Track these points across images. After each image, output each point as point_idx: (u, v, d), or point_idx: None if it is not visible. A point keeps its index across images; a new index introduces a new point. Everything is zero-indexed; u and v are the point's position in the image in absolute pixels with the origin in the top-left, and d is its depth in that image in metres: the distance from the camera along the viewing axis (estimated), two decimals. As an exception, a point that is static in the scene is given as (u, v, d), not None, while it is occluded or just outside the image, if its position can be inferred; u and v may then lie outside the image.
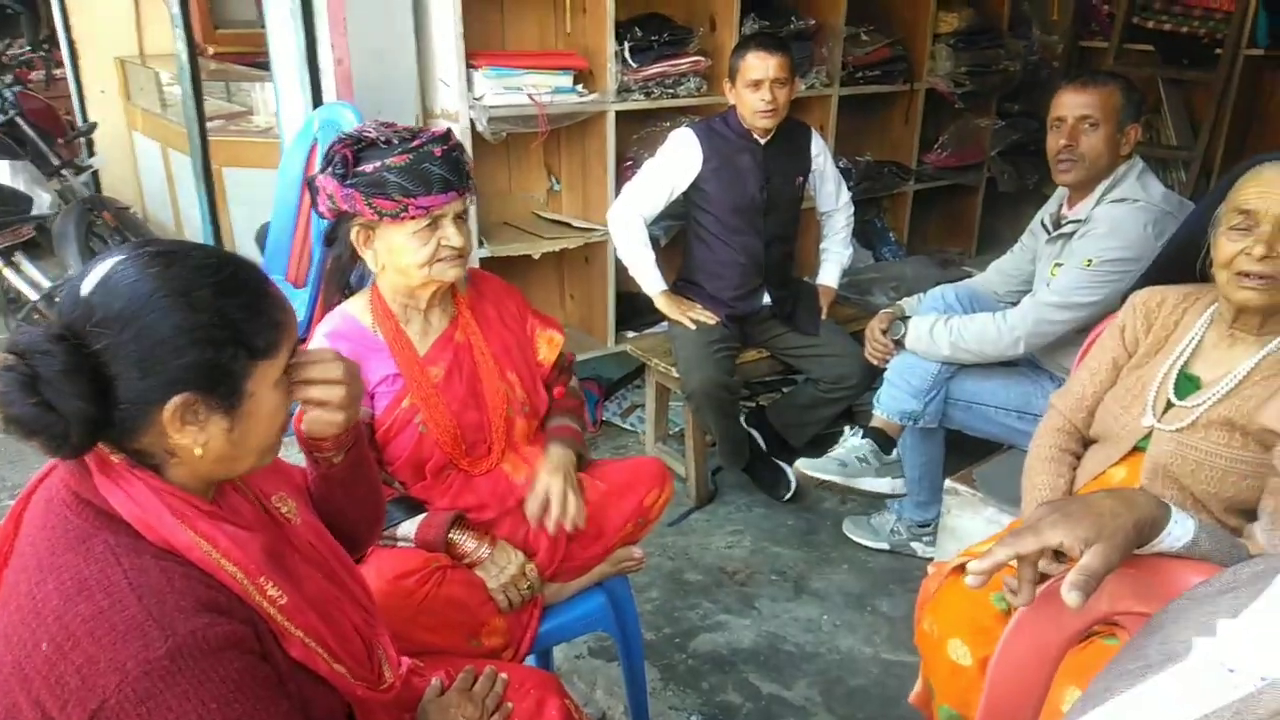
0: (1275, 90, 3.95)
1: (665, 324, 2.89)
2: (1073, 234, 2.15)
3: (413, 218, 1.43)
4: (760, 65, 2.49)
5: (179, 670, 0.78)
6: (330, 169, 1.44)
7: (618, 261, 2.91)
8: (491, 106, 2.72)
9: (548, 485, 1.55)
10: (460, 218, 1.50)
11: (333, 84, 2.65)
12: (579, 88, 2.87)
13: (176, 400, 0.85)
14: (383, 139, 1.44)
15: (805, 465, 2.34)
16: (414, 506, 1.54)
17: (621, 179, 2.93)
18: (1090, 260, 2.04)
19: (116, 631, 0.78)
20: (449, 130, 1.53)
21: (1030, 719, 1.16)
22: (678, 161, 2.67)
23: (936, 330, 2.26)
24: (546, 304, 3.37)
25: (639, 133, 3.17)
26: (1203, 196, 3.97)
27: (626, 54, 2.94)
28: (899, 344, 2.36)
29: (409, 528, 1.50)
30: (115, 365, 0.83)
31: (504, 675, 1.26)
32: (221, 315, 0.86)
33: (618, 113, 2.94)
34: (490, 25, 2.95)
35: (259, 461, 0.96)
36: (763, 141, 2.66)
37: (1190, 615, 0.82)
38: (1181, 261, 1.48)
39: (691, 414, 2.78)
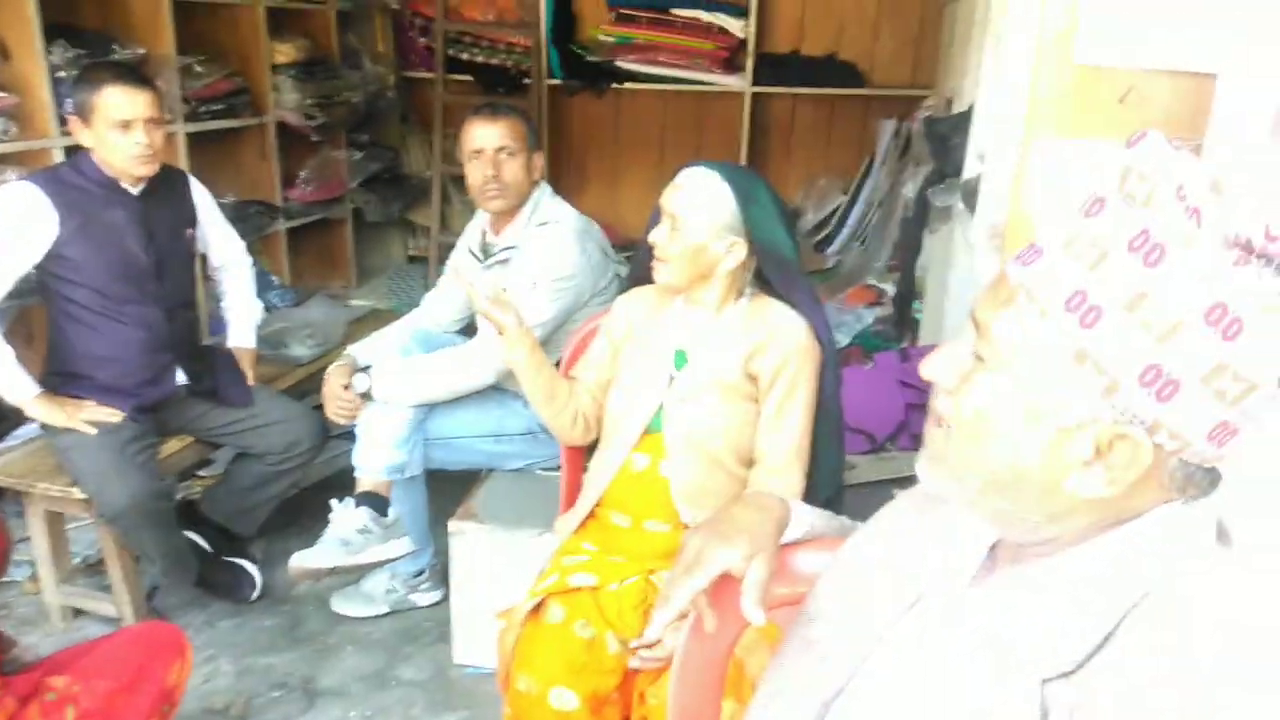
0: (572, 111, 4.70)
1: (38, 429, 2.24)
2: (508, 260, 2.24)
3: None
4: (126, 102, 2.02)
5: None
6: None
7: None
8: None
9: None
10: None
11: None
12: None
13: None
14: None
15: (303, 559, 2.02)
16: None
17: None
18: (536, 283, 2.15)
19: None
20: None
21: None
22: (23, 227, 2.04)
23: (405, 375, 2.16)
24: None
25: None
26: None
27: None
28: (365, 397, 2.19)
29: None
30: None
31: None
32: None
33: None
34: None
35: None
36: (135, 192, 2.19)
37: (850, 598, 0.90)
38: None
39: (116, 538, 2.20)
